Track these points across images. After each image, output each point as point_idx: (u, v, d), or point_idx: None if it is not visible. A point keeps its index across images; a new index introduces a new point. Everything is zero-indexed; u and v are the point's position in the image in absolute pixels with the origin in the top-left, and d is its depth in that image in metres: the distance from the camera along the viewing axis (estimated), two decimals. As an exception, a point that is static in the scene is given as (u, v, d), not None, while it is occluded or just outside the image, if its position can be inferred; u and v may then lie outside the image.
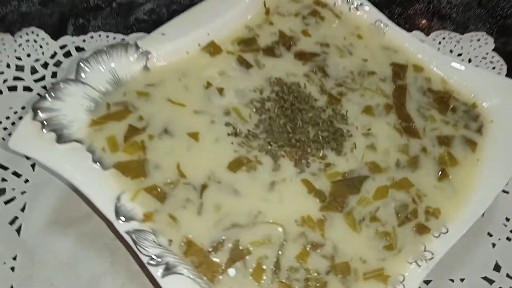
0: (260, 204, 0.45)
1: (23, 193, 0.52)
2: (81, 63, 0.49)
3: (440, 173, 0.48)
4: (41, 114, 0.45)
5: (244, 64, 0.54)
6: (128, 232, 0.41)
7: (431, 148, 0.50)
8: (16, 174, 0.53)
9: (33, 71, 0.62)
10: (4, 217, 0.51)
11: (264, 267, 0.42)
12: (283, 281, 0.41)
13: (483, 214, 0.56)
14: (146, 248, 0.40)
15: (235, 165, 0.47)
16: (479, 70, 0.54)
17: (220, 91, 0.52)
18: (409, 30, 0.74)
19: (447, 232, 0.44)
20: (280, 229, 0.44)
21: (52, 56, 0.63)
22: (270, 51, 0.56)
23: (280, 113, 0.51)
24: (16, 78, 0.61)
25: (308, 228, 0.44)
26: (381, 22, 0.58)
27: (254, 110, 0.51)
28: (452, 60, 0.55)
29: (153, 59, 0.52)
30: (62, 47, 0.64)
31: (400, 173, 0.48)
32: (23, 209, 0.51)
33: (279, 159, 0.48)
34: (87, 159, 0.45)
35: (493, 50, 0.74)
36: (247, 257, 0.42)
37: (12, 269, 0.48)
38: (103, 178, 0.44)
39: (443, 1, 0.81)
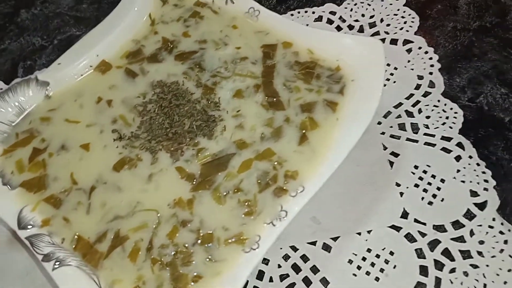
0: (139, 195, 0.51)
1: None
2: (-10, 105, 0.58)
3: (300, 138, 0.52)
4: (-41, 152, 0.54)
5: (131, 74, 0.61)
6: (27, 238, 0.49)
7: (294, 117, 0.53)
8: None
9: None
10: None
11: (139, 248, 0.48)
12: (154, 257, 0.47)
13: (391, 165, 0.58)
14: (41, 248, 0.48)
15: (118, 166, 0.53)
16: (341, 35, 0.57)
17: (109, 103, 0.58)
18: (322, 3, 0.78)
19: (303, 190, 0.48)
20: (155, 214, 0.50)
21: (5, 99, 0.73)
22: (153, 58, 0.61)
23: (160, 112, 0.56)
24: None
25: (179, 209, 0.49)
26: (254, 9, 0.62)
27: (137, 114, 0.57)
28: (316, 30, 0.58)
29: (52, 87, 0.60)
30: (13, 89, 0.74)
31: (264, 145, 0.52)
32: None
33: (157, 153, 0.54)
34: (-3, 184, 0.53)
35: (404, 5, 0.76)
36: (126, 242, 0.48)
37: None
38: (10, 197, 0.52)
39: (356, -33, 0.83)
